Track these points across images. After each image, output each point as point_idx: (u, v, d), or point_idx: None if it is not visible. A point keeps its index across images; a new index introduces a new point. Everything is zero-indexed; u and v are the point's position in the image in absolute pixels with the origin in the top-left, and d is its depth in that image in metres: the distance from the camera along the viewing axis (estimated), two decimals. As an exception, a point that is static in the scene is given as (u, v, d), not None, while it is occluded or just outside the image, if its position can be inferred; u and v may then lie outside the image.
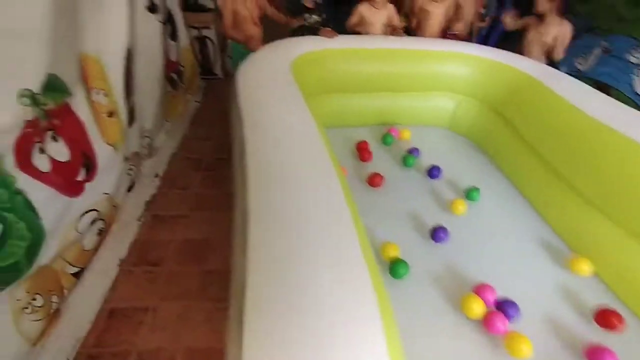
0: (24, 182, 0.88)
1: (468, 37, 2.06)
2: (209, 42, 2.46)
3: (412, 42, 1.76)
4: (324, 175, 0.84)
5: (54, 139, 1.02)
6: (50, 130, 0.99)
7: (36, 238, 0.91)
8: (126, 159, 1.44)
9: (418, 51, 1.69)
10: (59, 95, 1.02)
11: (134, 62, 1.48)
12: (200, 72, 2.50)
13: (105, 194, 1.26)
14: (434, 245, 1.15)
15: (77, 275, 1.11)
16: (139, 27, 1.52)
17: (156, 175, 1.62)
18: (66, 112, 1.07)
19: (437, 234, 1.13)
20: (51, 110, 0.98)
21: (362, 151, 1.61)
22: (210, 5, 2.41)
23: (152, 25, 1.71)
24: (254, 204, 0.73)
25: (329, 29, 1.67)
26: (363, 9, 1.85)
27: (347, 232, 0.69)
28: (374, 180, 1.40)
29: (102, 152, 1.23)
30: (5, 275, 0.82)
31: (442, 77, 1.76)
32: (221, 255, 1.23)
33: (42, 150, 0.96)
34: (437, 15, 1.92)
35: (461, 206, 1.27)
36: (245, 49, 1.63)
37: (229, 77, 2.67)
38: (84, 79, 1.17)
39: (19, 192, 0.87)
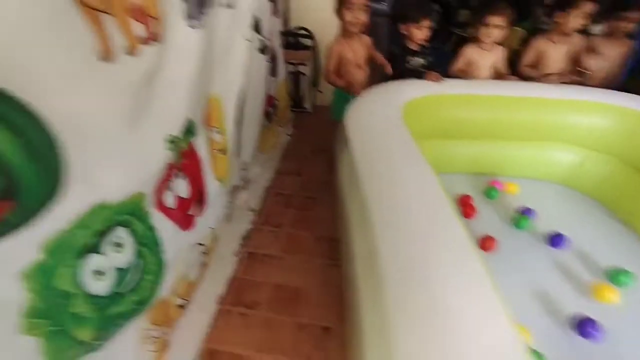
0: (156, 218, 0.93)
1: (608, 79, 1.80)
2: (302, 77, 2.55)
3: (531, 87, 1.58)
4: (449, 229, 0.77)
5: (180, 176, 1.08)
6: (178, 169, 1.05)
7: (161, 272, 0.95)
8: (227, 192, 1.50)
9: (539, 99, 1.51)
10: (190, 137, 1.09)
11: (245, 101, 1.56)
12: (290, 105, 2.59)
13: (211, 228, 1.30)
14: (580, 340, 0.94)
15: (182, 307, 1.14)
16: (251, 68, 1.61)
17: (251, 209, 1.65)
18: (191, 151, 1.14)
19: (585, 327, 0.93)
20: (182, 151, 1.05)
21: (465, 206, 1.45)
22: (309, 43, 2.52)
23: (260, 65, 1.81)
24: (386, 262, 0.70)
25: (435, 72, 1.59)
26: (470, 52, 1.74)
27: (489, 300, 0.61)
28: (485, 244, 1.23)
29: (212, 187, 1.29)
30: (138, 308, 0.86)
31: (565, 128, 1.54)
32: (313, 309, 1.18)
33: (170, 188, 1.02)
34: (557, 56, 1.72)
35: (611, 294, 1.04)
36: (348, 92, 1.63)
37: (317, 110, 2.76)
38: (206, 119, 1.25)
39: (151, 228, 0.92)
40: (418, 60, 1.71)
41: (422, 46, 1.68)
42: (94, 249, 0.69)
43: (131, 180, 0.79)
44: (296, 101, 2.63)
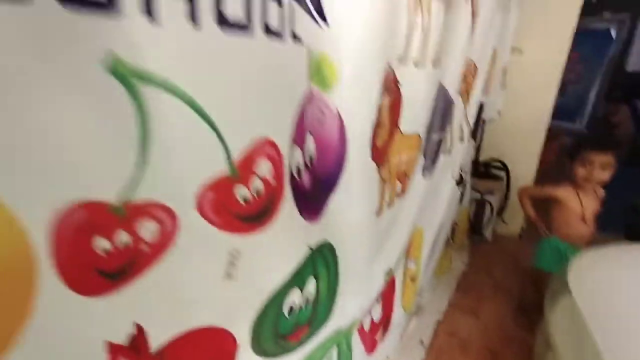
0: (354, 339, 0.99)
1: None
2: (487, 206, 2.44)
3: None
4: None
5: (379, 301, 1.15)
6: (380, 295, 1.13)
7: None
8: (402, 318, 1.47)
9: None
10: (396, 267, 1.18)
11: (441, 232, 1.60)
12: (469, 231, 2.48)
13: (387, 357, 1.28)
14: None
15: None
16: (450, 201, 1.68)
17: (421, 342, 1.55)
18: (392, 281, 1.21)
19: None
20: (390, 279, 1.13)
21: None
22: (500, 174, 2.46)
23: (455, 197, 1.86)
24: None
25: None
26: None
27: None
28: None
29: (397, 314, 1.30)
30: None
31: None
32: None
33: (371, 313, 1.09)
34: None
35: None
36: (564, 241, 1.43)
37: (497, 240, 2.53)
38: (407, 249, 1.33)
39: (350, 348, 0.98)
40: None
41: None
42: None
43: (358, 308, 0.90)
44: (476, 228, 2.50)
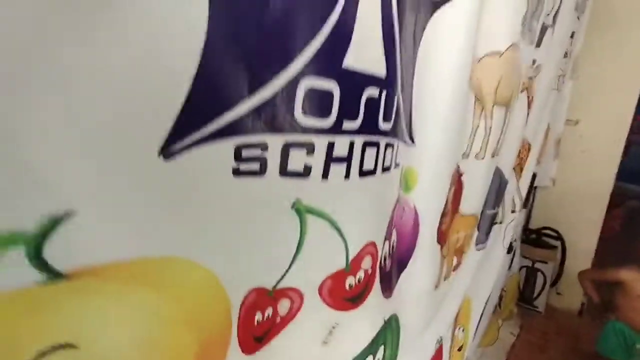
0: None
1: None
2: (539, 275, 2.35)
3: None
4: None
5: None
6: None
7: None
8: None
9: None
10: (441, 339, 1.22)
11: (489, 301, 1.60)
12: (518, 299, 2.38)
13: None
14: None
15: None
16: (501, 270, 1.68)
17: (465, 417, 1.50)
18: (440, 349, 1.24)
19: None
20: (439, 346, 1.17)
21: None
22: (554, 243, 2.39)
23: (504, 265, 1.85)
24: None
25: None
26: None
27: None
28: None
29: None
30: None
31: None
32: None
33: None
34: None
35: None
36: (628, 332, 1.37)
37: (550, 312, 2.38)
38: (456, 318, 1.36)
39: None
40: None
41: None
42: None
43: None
44: (526, 298, 2.39)
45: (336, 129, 0.39)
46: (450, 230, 0.93)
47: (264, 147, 0.33)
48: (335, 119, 0.38)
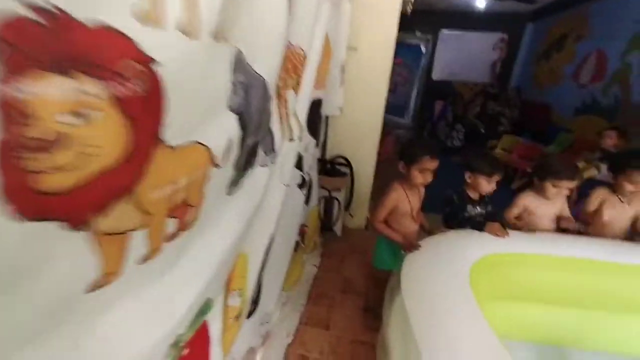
0: None
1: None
2: (336, 202, 2.42)
3: (625, 251, 1.34)
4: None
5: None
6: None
7: None
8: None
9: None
10: (201, 319, 0.85)
11: (273, 242, 1.35)
12: (320, 229, 2.41)
13: None
14: None
15: None
16: (286, 206, 1.46)
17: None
18: (200, 333, 0.88)
19: None
20: (187, 342, 0.80)
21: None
22: (345, 170, 2.47)
23: (298, 201, 1.68)
24: None
25: (498, 224, 1.38)
26: (527, 201, 1.56)
27: None
28: None
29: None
30: None
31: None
32: None
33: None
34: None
35: None
36: (394, 243, 1.42)
37: (347, 234, 2.55)
38: (228, 282, 1.03)
39: None
40: (477, 210, 1.53)
41: (482, 195, 1.52)
42: None
43: None
44: (326, 225, 2.46)
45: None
46: (144, 180, 0.49)
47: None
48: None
